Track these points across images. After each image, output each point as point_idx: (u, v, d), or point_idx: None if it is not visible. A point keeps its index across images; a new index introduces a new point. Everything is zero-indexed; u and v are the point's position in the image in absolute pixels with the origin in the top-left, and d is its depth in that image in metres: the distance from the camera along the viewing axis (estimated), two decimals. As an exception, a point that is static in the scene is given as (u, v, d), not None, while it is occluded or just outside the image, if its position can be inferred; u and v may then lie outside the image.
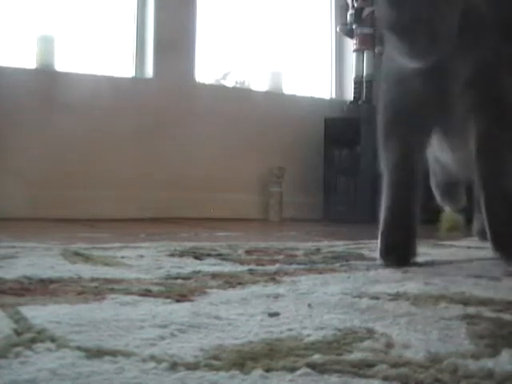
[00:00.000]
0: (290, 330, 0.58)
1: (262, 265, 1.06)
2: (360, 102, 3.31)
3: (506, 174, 1.12)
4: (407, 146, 1.11)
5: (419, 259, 1.16)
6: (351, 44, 3.40)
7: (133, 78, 3.07)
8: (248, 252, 1.26)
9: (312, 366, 0.46)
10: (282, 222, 3.08)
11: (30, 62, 2.81)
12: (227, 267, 1.02)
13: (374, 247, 1.18)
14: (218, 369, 0.45)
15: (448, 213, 1.71)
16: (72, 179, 2.73)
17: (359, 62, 3.33)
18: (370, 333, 0.57)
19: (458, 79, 1.08)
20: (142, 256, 1.13)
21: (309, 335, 0.56)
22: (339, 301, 0.73)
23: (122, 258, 1.11)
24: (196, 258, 1.14)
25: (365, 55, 3.31)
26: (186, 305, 0.69)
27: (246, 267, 1.02)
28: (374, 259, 1.15)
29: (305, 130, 3.27)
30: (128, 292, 0.75)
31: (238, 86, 3.54)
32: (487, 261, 1.18)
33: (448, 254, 1.31)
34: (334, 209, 3.13)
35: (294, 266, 1.05)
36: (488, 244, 1.17)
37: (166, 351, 0.49)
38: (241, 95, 3.33)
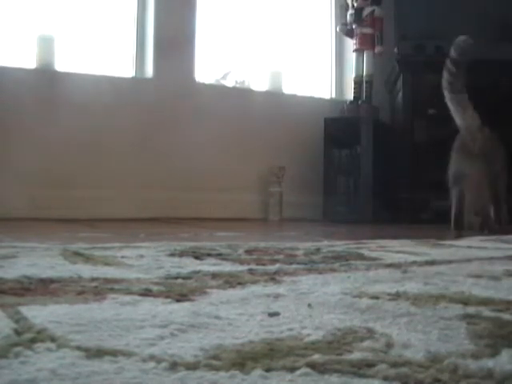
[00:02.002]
0: (290, 329, 0.58)
1: (262, 265, 1.06)
2: (360, 102, 3.30)
3: None
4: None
5: (419, 259, 1.16)
6: (351, 44, 3.40)
7: (133, 78, 3.06)
8: (248, 252, 1.26)
9: (312, 365, 0.46)
10: (281, 221, 3.08)
11: (30, 62, 2.81)
12: (227, 267, 1.02)
13: (373, 247, 1.18)
14: (217, 369, 0.45)
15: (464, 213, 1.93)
16: (72, 179, 2.74)
17: (359, 61, 3.33)
18: (370, 333, 0.57)
19: None
20: (142, 256, 1.13)
21: (309, 335, 0.56)
22: (339, 301, 0.73)
23: (122, 257, 1.11)
24: (196, 257, 1.14)
25: (365, 55, 3.31)
26: (185, 305, 0.69)
27: (245, 267, 1.02)
28: (373, 259, 1.15)
29: (305, 129, 3.27)
30: (128, 292, 0.75)
31: (237, 85, 3.54)
32: (487, 261, 1.18)
33: (448, 254, 1.31)
34: (334, 209, 3.13)
35: (294, 266, 1.04)
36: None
37: (166, 351, 0.49)
38: (241, 95, 3.33)
